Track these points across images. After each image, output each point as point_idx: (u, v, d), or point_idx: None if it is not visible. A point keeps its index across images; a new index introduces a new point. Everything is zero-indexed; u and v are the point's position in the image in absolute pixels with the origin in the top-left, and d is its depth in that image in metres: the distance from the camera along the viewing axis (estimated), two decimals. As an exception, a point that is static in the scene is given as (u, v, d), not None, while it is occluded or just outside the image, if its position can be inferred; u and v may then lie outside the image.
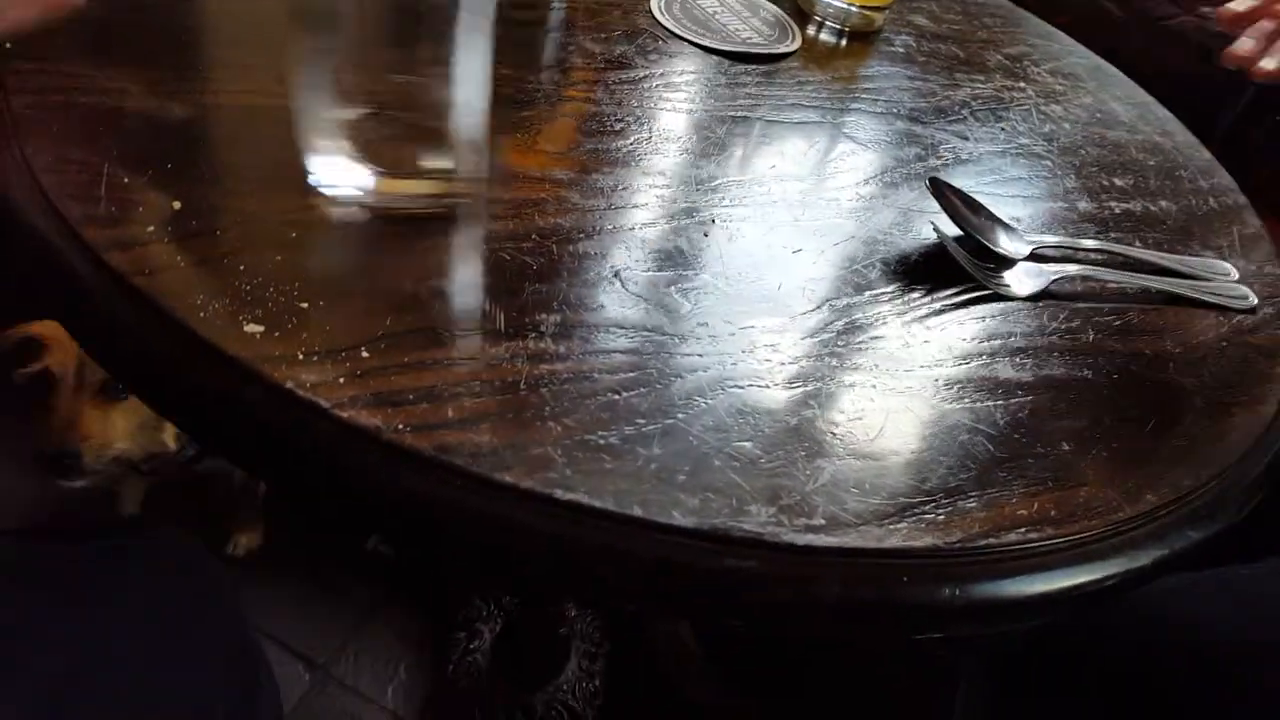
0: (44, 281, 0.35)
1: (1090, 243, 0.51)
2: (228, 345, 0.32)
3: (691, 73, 0.57)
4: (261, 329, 0.33)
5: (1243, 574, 0.52)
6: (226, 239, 0.36)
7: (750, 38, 0.61)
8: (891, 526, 0.33)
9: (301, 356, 0.32)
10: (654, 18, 0.61)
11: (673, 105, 0.53)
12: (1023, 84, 0.67)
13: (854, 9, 0.65)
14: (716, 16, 0.62)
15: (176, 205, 0.37)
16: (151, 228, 0.35)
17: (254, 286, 0.34)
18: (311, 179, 0.41)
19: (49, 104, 0.40)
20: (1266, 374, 0.46)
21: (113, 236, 0.34)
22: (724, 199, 0.47)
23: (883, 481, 0.35)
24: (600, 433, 0.33)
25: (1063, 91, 0.68)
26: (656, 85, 0.54)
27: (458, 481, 0.30)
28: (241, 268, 0.35)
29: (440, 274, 0.38)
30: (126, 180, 0.37)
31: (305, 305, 0.34)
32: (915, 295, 0.45)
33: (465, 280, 0.38)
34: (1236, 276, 0.52)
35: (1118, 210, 0.56)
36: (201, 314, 0.33)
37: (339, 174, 0.41)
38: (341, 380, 0.32)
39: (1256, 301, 0.50)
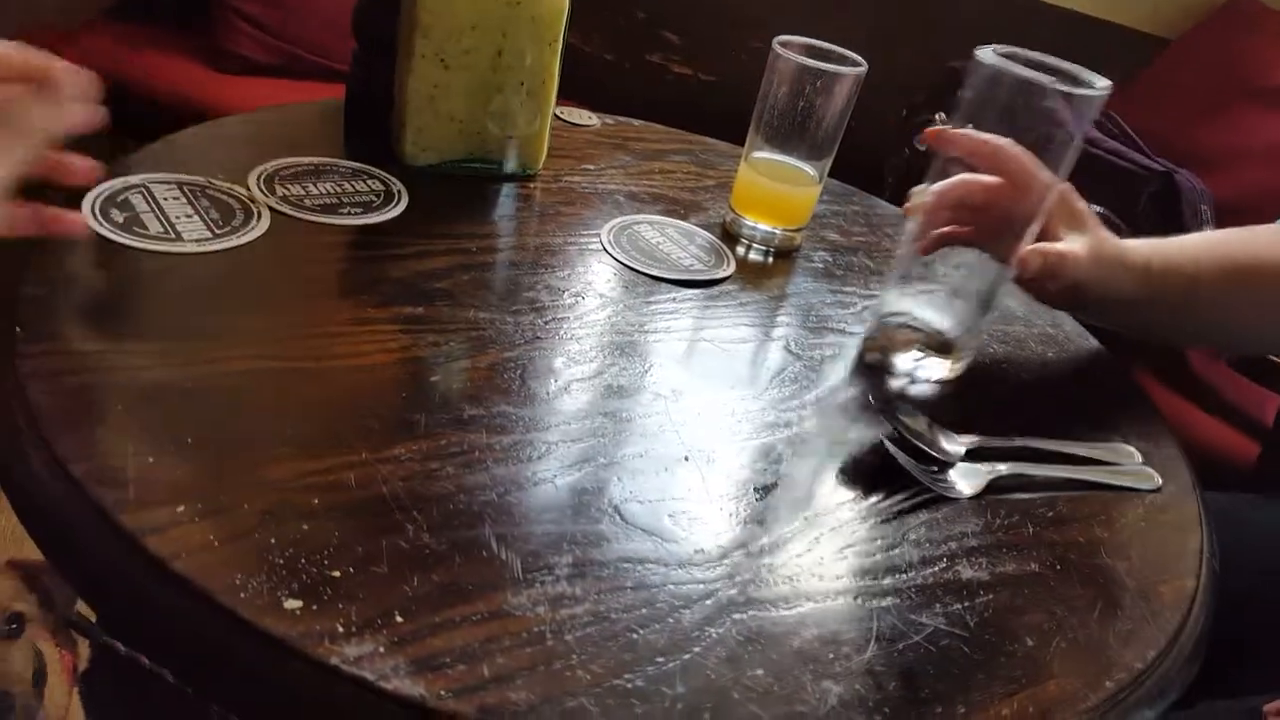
0: (78, 569, 0.36)
1: (1014, 440, 0.57)
2: (272, 625, 0.33)
3: (647, 303, 0.62)
4: (300, 604, 0.34)
5: None
6: (254, 512, 0.38)
7: (692, 264, 0.67)
8: (899, 742, 0.36)
9: (341, 629, 0.34)
10: (607, 253, 0.67)
11: (634, 335, 0.58)
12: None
13: (777, 231, 0.73)
14: (660, 247, 0.68)
15: (201, 481, 0.39)
16: (181, 507, 0.37)
17: (286, 559, 0.36)
18: (327, 441, 0.43)
19: (65, 388, 0.42)
20: (1181, 550, 0.52)
21: (146, 521, 0.36)
22: (695, 424, 0.51)
23: (881, 698, 0.38)
24: (626, 676, 0.35)
25: (963, 292, 0.76)
26: (619, 317, 0.60)
27: (504, 743, 0.32)
28: (272, 540, 0.37)
29: (454, 526, 0.40)
30: (151, 460, 0.39)
31: (337, 574, 0.36)
32: (875, 500, 0.49)
33: (475, 530, 0.41)
34: (1140, 460, 0.58)
35: (1032, 404, 0.62)
36: (242, 594, 0.34)
37: (353, 435, 0.44)
38: (382, 650, 0.34)
39: (1161, 482, 0.57)
